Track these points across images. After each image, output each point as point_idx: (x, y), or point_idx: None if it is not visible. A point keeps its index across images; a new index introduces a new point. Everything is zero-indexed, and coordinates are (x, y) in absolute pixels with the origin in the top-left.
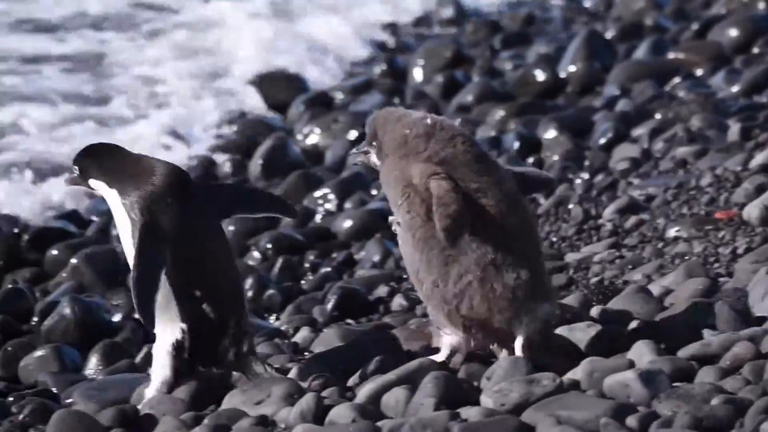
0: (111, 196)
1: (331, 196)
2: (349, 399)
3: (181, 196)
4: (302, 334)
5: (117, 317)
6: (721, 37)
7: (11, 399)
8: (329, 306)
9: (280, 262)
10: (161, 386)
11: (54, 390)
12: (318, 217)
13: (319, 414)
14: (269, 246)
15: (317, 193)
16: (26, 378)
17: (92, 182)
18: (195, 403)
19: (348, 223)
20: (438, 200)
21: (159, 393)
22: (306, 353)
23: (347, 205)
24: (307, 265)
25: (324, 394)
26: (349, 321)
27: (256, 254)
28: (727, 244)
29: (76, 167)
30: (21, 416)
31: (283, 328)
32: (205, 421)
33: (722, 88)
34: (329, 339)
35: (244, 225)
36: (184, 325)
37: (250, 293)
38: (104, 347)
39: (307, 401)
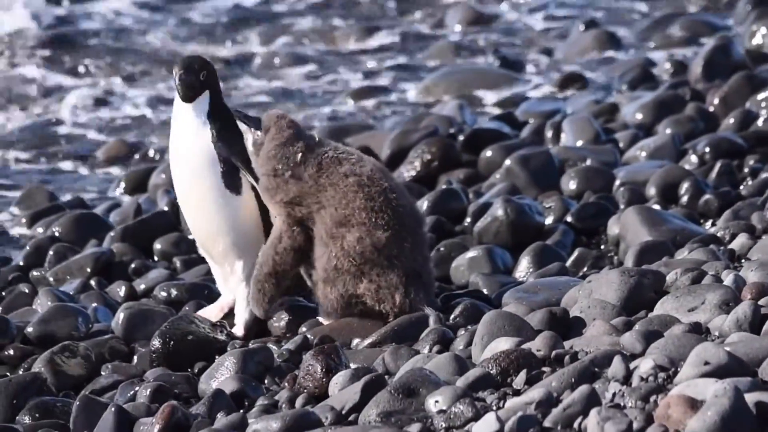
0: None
1: None
2: None
3: None
4: (739, 241)
5: (549, 219)
6: None
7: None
8: None
9: (718, 166)
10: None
11: (485, 291)
12: (760, 121)
13: (756, 323)
14: (707, 150)
15: (760, 96)
16: (458, 278)
17: None
18: (626, 307)
19: None
20: None
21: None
22: (743, 260)
23: None
24: (746, 170)
25: (761, 302)
26: None
27: (693, 158)
28: None
29: None
30: (452, 317)
31: (719, 234)
32: (636, 326)
33: None
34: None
35: (682, 128)
36: None
37: (685, 198)
38: (535, 249)
39: (743, 309)
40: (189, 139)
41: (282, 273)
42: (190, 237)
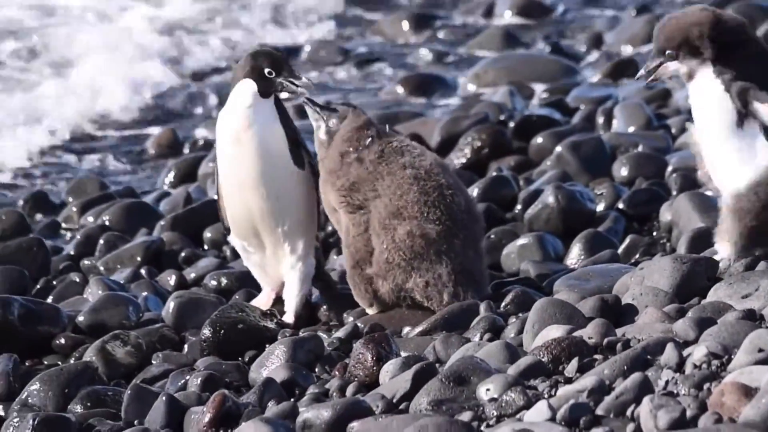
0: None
1: None
2: None
3: None
4: None
5: (600, 207)
6: None
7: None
8: None
9: None
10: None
11: (535, 279)
12: None
13: None
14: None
15: None
16: (508, 266)
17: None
18: (678, 294)
19: None
20: None
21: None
22: None
23: None
24: None
25: None
26: None
27: None
28: None
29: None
30: (503, 304)
31: None
32: (689, 313)
33: None
34: None
35: None
36: None
37: None
38: (587, 236)
39: None
40: (257, 121)
41: (361, 260)
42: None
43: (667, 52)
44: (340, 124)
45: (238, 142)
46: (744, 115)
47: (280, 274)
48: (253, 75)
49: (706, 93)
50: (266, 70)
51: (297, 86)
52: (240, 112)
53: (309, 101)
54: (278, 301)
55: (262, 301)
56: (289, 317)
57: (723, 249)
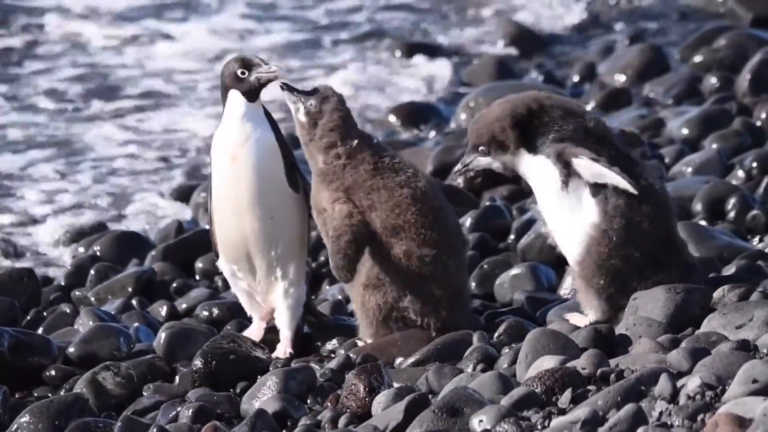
0: None
1: None
2: None
3: None
4: None
5: None
6: None
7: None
8: None
9: (765, 181)
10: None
11: (528, 309)
12: None
13: None
14: (754, 165)
15: None
16: (501, 296)
17: None
18: (672, 325)
19: None
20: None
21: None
22: None
23: None
24: None
25: None
26: None
27: (740, 173)
28: None
29: None
30: (496, 335)
31: (766, 250)
32: (683, 344)
33: None
34: None
35: (729, 143)
36: None
37: (732, 213)
38: None
39: None
40: (253, 137)
41: (361, 240)
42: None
43: (480, 148)
44: (320, 105)
45: (235, 158)
46: (567, 175)
47: (270, 300)
48: (232, 83)
49: (531, 172)
50: (239, 72)
51: (270, 71)
52: (234, 124)
53: (285, 85)
54: (270, 330)
55: (254, 333)
56: (284, 347)
57: (592, 314)
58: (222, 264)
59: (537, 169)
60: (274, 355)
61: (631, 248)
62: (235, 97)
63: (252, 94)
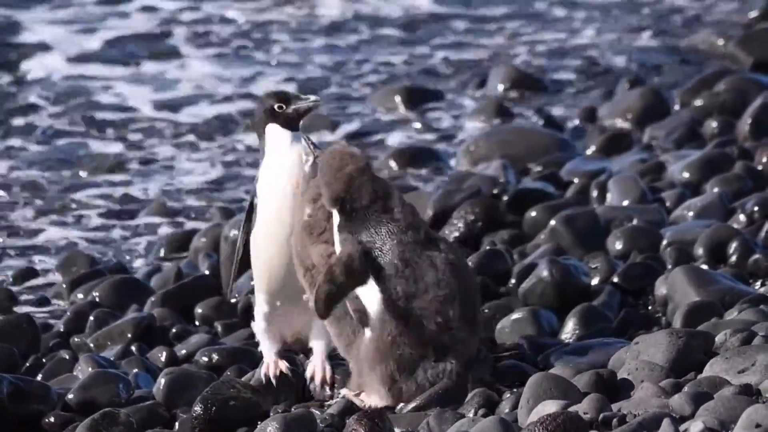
0: None
1: None
2: None
3: None
4: None
5: (595, 281)
6: None
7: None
8: None
9: (767, 225)
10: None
11: (530, 353)
12: None
13: None
14: (756, 209)
15: None
16: (503, 340)
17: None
18: (674, 369)
19: None
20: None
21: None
22: None
23: None
24: None
25: None
26: None
27: (741, 217)
28: None
29: None
30: (498, 379)
31: None
32: (685, 388)
33: None
34: None
35: (730, 187)
36: None
37: (734, 257)
38: (582, 311)
39: None
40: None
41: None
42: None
43: None
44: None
45: (298, 186)
46: None
47: (304, 323)
48: (269, 118)
49: None
50: (276, 106)
51: (311, 102)
52: (284, 152)
53: (306, 138)
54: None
55: (271, 371)
56: (321, 363)
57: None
58: (259, 296)
59: None
60: (309, 374)
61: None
62: (275, 130)
63: (292, 124)
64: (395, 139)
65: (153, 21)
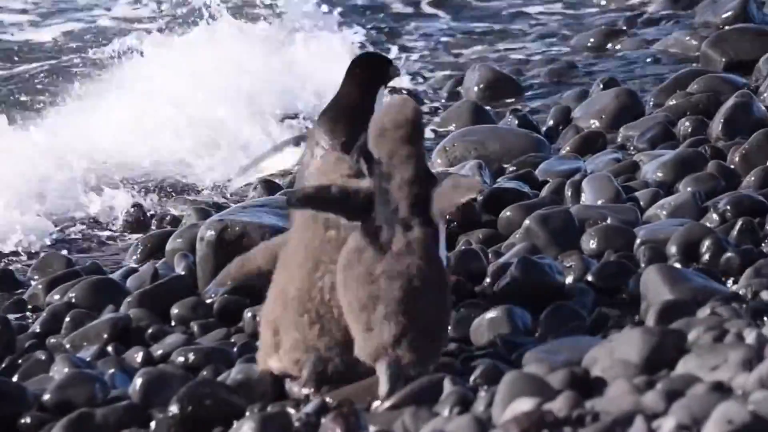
0: None
1: None
2: None
3: None
4: (761, 299)
5: (569, 279)
6: None
7: (461, 360)
8: None
9: (739, 224)
10: None
11: (504, 352)
12: None
13: None
14: (728, 207)
15: None
16: (477, 339)
17: None
18: (647, 366)
19: None
20: None
21: None
22: (765, 318)
23: None
24: None
25: None
26: None
27: (714, 216)
28: None
29: None
30: (471, 378)
31: (741, 292)
32: (658, 385)
33: None
34: None
35: (703, 186)
36: None
37: (707, 256)
38: (556, 309)
39: (766, 367)
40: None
41: None
42: None
43: None
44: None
45: None
46: None
47: None
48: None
49: None
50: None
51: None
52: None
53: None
54: None
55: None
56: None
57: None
58: None
59: None
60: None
61: None
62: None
63: None
64: None
65: None
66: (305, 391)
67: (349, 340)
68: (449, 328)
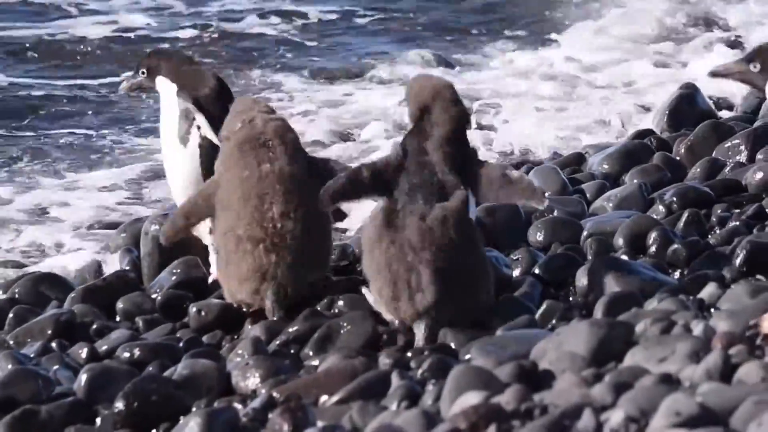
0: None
1: (742, 147)
2: (759, 357)
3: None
4: (708, 291)
5: (516, 272)
6: None
7: (409, 355)
8: (737, 261)
9: (686, 215)
10: None
11: (452, 345)
12: (727, 170)
13: (726, 372)
14: (675, 199)
15: (726, 144)
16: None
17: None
18: (595, 359)
19: (759, 175)
20: None
21: None
22: (712, 309)
23: (759, 156)
24: (714, 219)
25: (731, 351)
26: (760, 277)
27: (660, 208)
28: None
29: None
30: (419, 371)
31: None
32: (606, 378)
33: None
34: (737, 296)
35: (649, 178)
36: None
37: (654, 248)
38: (503, 302)
39: (714, 359)
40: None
41: None
42: None
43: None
44: None
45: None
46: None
47: None
48: None
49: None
50: None
51: None
52: None
53: None
54: None
55: None
56: None
57: None
58: None
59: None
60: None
61: None
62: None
63: None
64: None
65: None
66: (271, 317)
67: (303, 262)
68: (492, 281)
